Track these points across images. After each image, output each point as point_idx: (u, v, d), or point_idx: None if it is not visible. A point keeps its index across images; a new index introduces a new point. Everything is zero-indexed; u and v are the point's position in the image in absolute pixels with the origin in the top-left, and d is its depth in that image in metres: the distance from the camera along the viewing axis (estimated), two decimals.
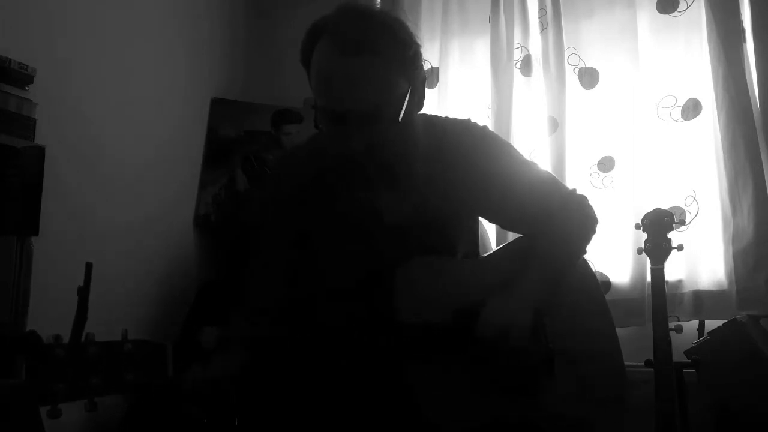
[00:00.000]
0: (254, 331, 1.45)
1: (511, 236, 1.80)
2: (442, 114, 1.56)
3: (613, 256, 2.53)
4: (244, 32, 3.20)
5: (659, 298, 1.98)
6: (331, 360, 1.38)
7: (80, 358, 1.00)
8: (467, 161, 1.46)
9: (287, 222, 1.50)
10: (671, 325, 1.98)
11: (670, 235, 2.03)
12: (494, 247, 2.25)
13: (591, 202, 1.59)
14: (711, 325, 2.25)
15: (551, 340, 1.45)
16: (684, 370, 2.12)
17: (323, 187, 1.46)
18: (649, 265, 2.05)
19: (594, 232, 1.54)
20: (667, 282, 2.05)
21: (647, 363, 1.98)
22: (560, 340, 1.46)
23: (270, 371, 1.40)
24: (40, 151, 2.08)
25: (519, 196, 1.49)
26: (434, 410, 1.33)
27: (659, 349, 1.95)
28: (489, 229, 2.48)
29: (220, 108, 2.93)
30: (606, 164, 2.61)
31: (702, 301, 2.41)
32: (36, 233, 2.05)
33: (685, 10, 2.56)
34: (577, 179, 2.60)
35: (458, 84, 2.87)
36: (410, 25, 1.38)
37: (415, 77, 1.36)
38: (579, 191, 1.57)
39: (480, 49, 2.84)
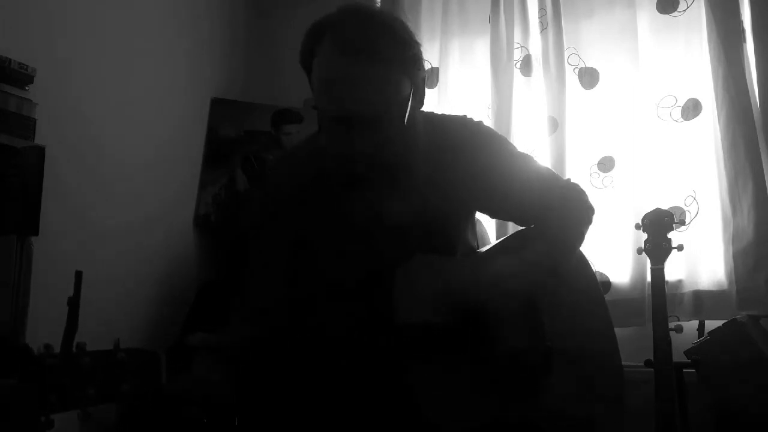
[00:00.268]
0: (254, 332, 1.45)
1: (511, 231, 1.80)
2: (439, 112, 1.56)
3: (613, 256, 2.53)
4: (244, 32, 3.20)
5: (659, 298, 1.98)
6: (331, 360, 1.37)
7: (72, 369, 0.99)
8: (465, 158, 1.46)
9: (287, 222, 1.50)
10: (671, 325, 1.98)
11: (670, 235, 2.03)
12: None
13: (591, 202, 1.59)
14: (711, 325, 2.25)
15: (550, 339, 1.45)
16: (684, 370, 2.12)
17: (323, 187, 1.46)
18: (649, 265, 2.05)
19: (591, 221, 1.54)
20: (667, 282, 2.05)
21: (647, 363, 1.98)
22: (559, 340, 1.46)
23: (270, 371, 1.39)
24: (40, 151, 2.08)
25: (518, 190, 1.49)
26: (434, 410, 1.33)
27: (659, 349, 1.95)
28: (489, 228, 2.48)
29: (220, 108, 2.93)
30: (606, 164, 2.61)
31: (702, 301, 2.41)
32: (36, 233, 2.05)
33: (685, 10, 2.56)
34: (577, 179, 2.56)
35: (458, 84, 2.87)
36: (410, 24, 1.38)
37: (417, 77, 1.36)
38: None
39: (480, 49, 2.84)
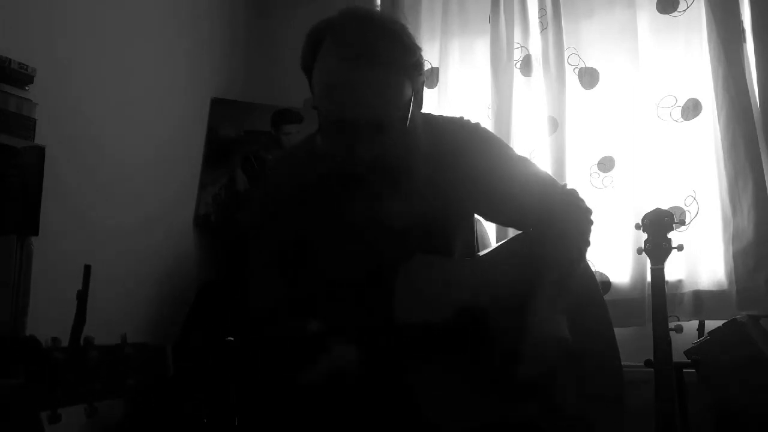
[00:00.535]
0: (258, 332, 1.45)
1: (512, 234, 1.80)
2: (436, 114, 1.57)
3: (613, 256, 2.53)
4: (244, 32, 3.20)
5: (659, 298, 1.98)
6: (331, 360, 1.37)
7: (80, 363, 0.98)
8: (464, 161, 1.46)
9: (287, 223, 1.50)
10: (671, 325, 1.98)
11: (670, 235, 2.03)
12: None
13: (591, 202, 1.59)
14: (711, 325, 2.25)
15: None
16: (684, 370, 2.12)
17: (323, 189, 1.46)
18: (649, 265, 2.05)
19: (592, 223, 1.54)
20: (667, 282, 2.05)
21: (647, 363, 1.98)
22: None
23: (270, 371, 1.39)
24: (40, 151, 2.08)
25: (516, 194, 1.49)
26: (434, 410, 1.33)
27: (659, 349, 1.95)
28: (489, 229, 2.48)
29: (220, 108, 2.93)
30: (606, 164, 2.61)
31: (702, 301, 2.41)
32: (36, 233, 2.05)
33: (685, 10, 2.56)
34: (577, 179, 2.60)
35: (458, 84, 2.87)
36: (410, 24, 1.38)
37: (418, 82, 1.36)
38: (579, 191, 1.57)
39: (480, 49, 2.84)
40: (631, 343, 2.02)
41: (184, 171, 2.79)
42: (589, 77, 2.67)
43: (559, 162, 2.61)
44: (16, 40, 2.06)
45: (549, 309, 1.39)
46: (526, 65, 2.73)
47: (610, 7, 2.66)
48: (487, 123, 2.63)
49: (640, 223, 2.10)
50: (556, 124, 2.64)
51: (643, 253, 2.07)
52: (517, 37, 2.75)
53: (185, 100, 2.82)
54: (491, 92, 2.74)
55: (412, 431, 1.35)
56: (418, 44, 1.35)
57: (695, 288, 2.43)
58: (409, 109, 1.33)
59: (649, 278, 2.07)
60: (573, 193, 1.55)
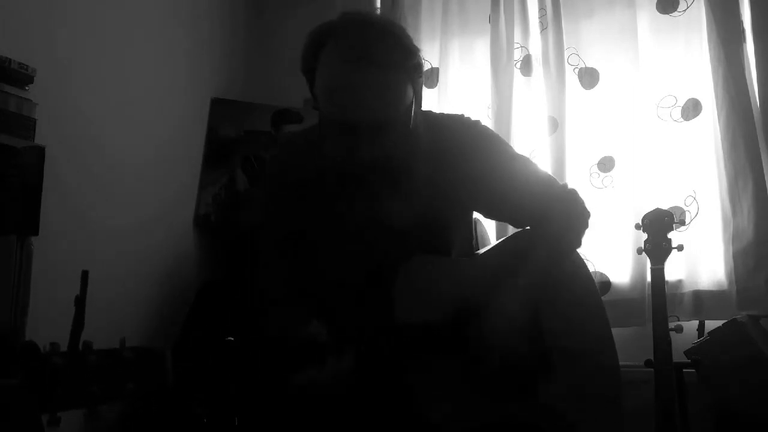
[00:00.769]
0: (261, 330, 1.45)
1: (511, 233, 1.80)
2: (437, 111, 1.57)
3: (613, 256, 2.53)
4: (244, 32, 3.20)
5: (659, 298, 1.98)
6: (331, 359, 1.37)
7: (79, 367, 0.99)
8: (464, 158, 1.47)
9: (287, 214, 1.50)
10: (671, 325, 1.98)
11: (670, 235, 2.03)
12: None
13: (591, 202, 1.59)
14: (711, 325, 2.25)
15: (548, 340, 1.46)
16: (684, 370, 2.12)
17: (323, 187, 1.46)
18: (649, 265, 2.05)
19: (587, 225, 1.54)
20: (667, 282, 2.05)
21: (647, 363, 1.98)
22: (557, 340, 1.46)
23: (270, 371, 1.39)
24: (40, 151, 2.08)
25: (515, 192, 1.50)
26: (434, 410, 1.33)
27: (659, 349, 1.95)
28: (489, 229, 2.49)
29: (220, 108, 2.93)
30: (606, 164, 2.61)
31: (702, 301, 2.41)
32: (36, 233, 2.05)
33: (685, 10, 2.56)
34: (577, 179, 2.60)
35: (458, 84, 2.87)
36: (410, 24, 1.39)
37: (418, 83, 1.37)
38: (578, 191, 1.57)
39: (480, 49, 2.84)
40: (631, 343, 2.03)
41: (184, 171, 2.79)
42: (589, 77, 2.67)
43: (559, 162, 2.61)
44: (16, 40, 2.06)
45: (518, 297, 1.39)
46: (526, 65, 2.73)
47: (610, 7, 2.66)
48: (487, 123, 2.62)
49: (640, 223, 2.10)
50: (556, 124, 2.64)
51: (643, 253, 2.07)
52: (517, 37, 2.75)
53: (185, 100, 2.82)
54: (491, 92, 2.73)
55: (412, 431, 1.35)
56: (418, 45, 1.36)
57: (695, 288, 2.43)
58: (411, 110, 1.33)
59: (649, 278, 2.06)
60: (572, 193, 1.55)
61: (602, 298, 1.64)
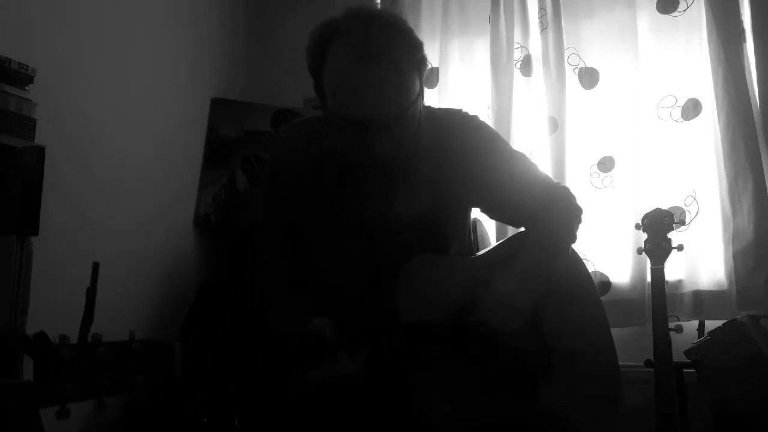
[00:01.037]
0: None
1: (512, 234, 1.80)
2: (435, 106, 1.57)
3: (613, 256, 2.53)
4: (244, 32, 3.20)
5: (659, 298, 1.98)
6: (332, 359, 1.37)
7: (88, 359, 0.99)
8: (462, 155, 1.47)
9: (286, 218, 1.50)
10: (671, 325, 1.98)
11: (670, 235, 2.03)
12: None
13: (591, 202, 1.60)
14: (711, 325, 2.25)
15: (548, 340, 1.46)
16: (684, 370, 2.12)
17: (323, 185, 1.46)
18: (649, 265, 2.05)
19: (580, 220, 1.55)
20: (667, 282, 2.05)
21: (647, 363, 1.98)
22: (557, 340, 1.46)
23: (271, 370, 1.39)
24: (40, 151, 2.08)
25: (512, 190, 1.50)
26: (434, 410, 1.33)
27: (659, 349, 1.95)
28: (489, 229, 2.49)
29: (220, 108, 2.93)
30: (606, 164, 2.61)
31: (702, 301, 2.41)
32: (36, 233, 2.05)
33: (685, 10, 2.56)
34: (577, 179, 2.60)
35: (458, 84, 2.87)
36: (410, 24, 1.40)
37: (423, 77, 1.38)
38: (579, 191, 1.58)
39: (480, 49, 2.84)
40: (631, 343, 2.02)
41: (184, 171, 2.79)
42: (589, 77, 2.67)
43: (559, 162, 2.61)
44: (16, 40, 2.06)
45: (516, 284, 1.39)
46: (526, 65, 2.73)
47: (610, 7, 2.66)
48: (487, 123, 2.63)
49: (640, 223, 2.10)
50: (556, 124, 2.64)
51: (643, 253, 2.07)
52: (517, 37, 2.75)
53: (185, 100, 2.82)
54: (491, 92, 2.74)
55: (412, 431, 1.35)
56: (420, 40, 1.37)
57: (695, 288, 2.43)
58: (419, 104, 1.34)
59: (649, 278, 2.06)
60: (565, 190, 1.56)
61: (602, 298, 1.64)
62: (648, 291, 2.25)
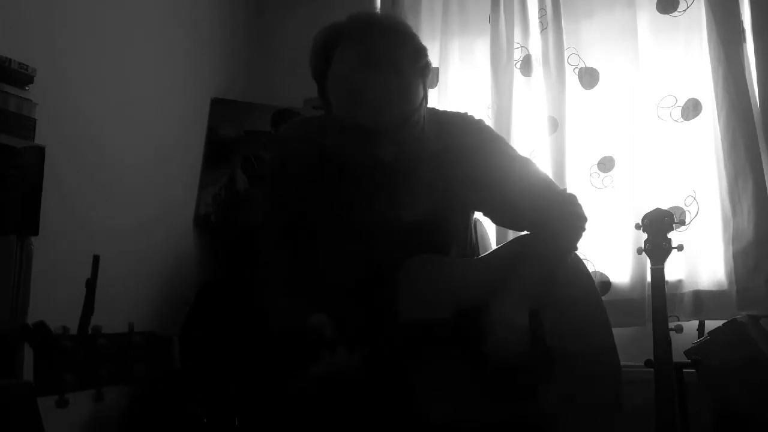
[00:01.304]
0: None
1: (512, 235, 1.80)
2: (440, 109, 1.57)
3: (613, 256, 2.53)
4: (244, 32, 3.20)
5: (659, 298, 1.98)
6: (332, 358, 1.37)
7: (89, 349, 1.00)
8: (466, 158, 1.47)
9: (287, 218, 1.51)
10: (671, 325, 1.98)
11: (670, 235, 2.03)
12: (494, 247, 2.26)
13: (591, 202, 1.60)
14: (711, 325, 2.25)
15: (549, 340, 1.46)
16: (684, 370, 2.12)
17: (324, 186, 1.46)
18: (649, 265, 2.05)
19: (584, 229, 1.55)
20: (667, 282, 2.05)
21: (647, 363, 1.98)
22: (557, 341, 1.46)
23: (271, 369, 1.39)
24: (40, 151, 2.08)
25: (515, 194, 1.50)
26: (434, 410, 1.33)
27: (659, 349, 1.95)
28: (489, 229, 2.49)
29: (220, 108, 2.93)
30: (606, 164, 2.61)
31: (702, 301, 2.41)
32: (36, 233, 2.05)
33: (685, 10, 2.56)
34: (577, 179, 2.60)
35: (458, 84, 2.87)
36: (410, 24, 1.40)
37: (428, 82, 1.39)
38: (579, 191, 1.58)
39: (480, 49, 2.84)
40: (631, 343, 2.02)
41: (184, 171, 2.79)
42: (589, 77, 2.67)
43: (559, 162, 2.61)
44: (16, 40, 2.06)
45: (516, 302, 1.40)
46: (526, 65, 2.73)
47: (610, 7, 2.66)
48: (487, 123, 2.62)
49: (640, 223, 2.10)
50: (556, 124, 2.64)
51: (643, 253, 2.07)
52: (517, 37, 2.75)
53: (185, 100, 2.82)
54: (491, 92, 2.73)
55: (412, 431, 1.35)
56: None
57: (695, 288, 2.43)
58: (422, 109, 1.34)
59: (649, 278, 2.06)
60: (571, 198, 1.55)
61: (602, 298, 1.64)
62: (648, 291, 2.25)
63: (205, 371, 1.38)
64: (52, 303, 1.95)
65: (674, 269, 2.36)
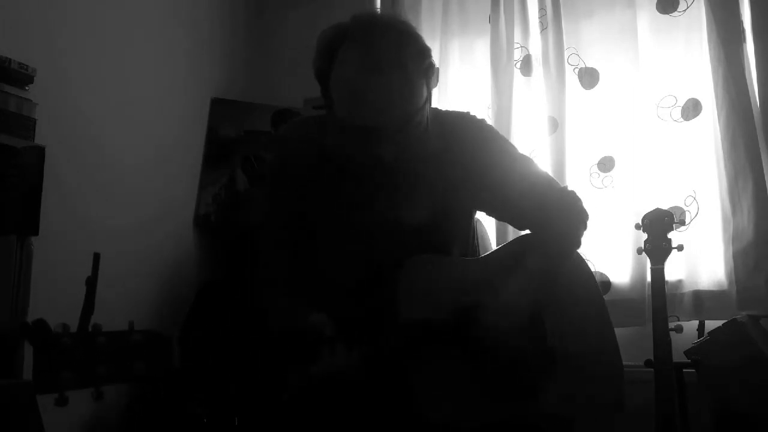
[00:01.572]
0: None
1: (512, 235, 1.80)
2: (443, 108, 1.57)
3: (613, 256, 2.53)
4: (244, 32, 3.20)
5: (659, 298, 1.98)
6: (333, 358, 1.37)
7: (88, 347, 1.00)
8: (468, 157, 1.47)
9: (287, 217, 1.50)
10: (671, 325, 1.98)
11: (670, 235, 2.03)
12: (494, 247, 2.26)
13: (591, 202, 1.60)
14: (711, 325, 2.25)
15: (550, 340, 1.46)
16: (684, 370, 2.12)
17: (325, 186, 1.46)
18: (649, 265, 2.05)
19: (586, 226, 1.54)
20: (667, 282, 2.05)
21: (647, 363, 1.98)
22: (559, 341, 1.46)
23: (271, 368, 1.39)
24: (40, 151, 2.09)
25: (517, 192, 1.50)
26: (435, 410, 1.33)
27: (659, 349, 1.95)
28: (489, 229, 2.49)
29: (220, 108, 2.93)
30: (606, 164, 2.61)
31: (702, 301, 2.41)
32: (36, 233, 2.05)
33: (685, 10, 2.55)
34: (577, 179, 2.60)
35: (458, 84, 2.87)
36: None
37: (431, 83, 1.39)
38: (579, 191, 1.57)
39: (480, 49, 2.84)
40: (631, 343, 2.02)
41: (184, 171, 2.79)
42: (589, 77, 2.67)
43: (559, 162, 2.61)
44: (16, 40, 2.07)
45: (518, 289, 1.40)
46: (526, 65, 2.73)
47: (610, 7, 2.66)
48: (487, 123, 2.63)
49: (640, 223, 2.10)
50: (556, 124, 2.64)
51: (643, 253, 2.07)
52: (517, 37, 2.74)
53: (185, 100, 2.82)
54: (491, 92, 2.73)
55: (412, 431, 1.35)
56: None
57: (695, 288, 2.43)
58: (425, 110, 1.34)
59: (649, 278, 2.06)
60: (572, 195, 1.55)
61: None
62: (648, 291, 2.25)
63: (205, 371, 1.37)
64: (52, 303, 1.95)
65: (674, 269, 2.36)
